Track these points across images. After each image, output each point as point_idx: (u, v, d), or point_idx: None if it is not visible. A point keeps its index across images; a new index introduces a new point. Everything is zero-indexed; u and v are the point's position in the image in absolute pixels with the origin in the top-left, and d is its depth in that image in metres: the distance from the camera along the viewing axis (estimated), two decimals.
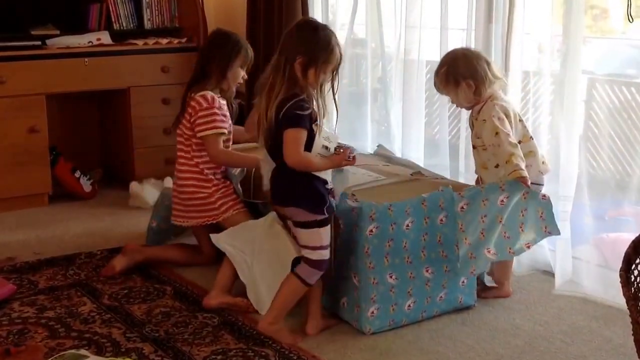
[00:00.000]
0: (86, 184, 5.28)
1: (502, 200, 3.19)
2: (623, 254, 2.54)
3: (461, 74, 3.41)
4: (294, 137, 2.98)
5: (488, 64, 3.45)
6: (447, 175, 4.13)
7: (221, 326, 3.31)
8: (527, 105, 3.90)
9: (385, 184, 3.50)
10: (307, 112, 2.99)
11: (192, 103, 3.83)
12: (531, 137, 3.49)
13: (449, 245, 3.28)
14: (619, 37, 4.37)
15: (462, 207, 3.24)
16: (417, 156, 4.48)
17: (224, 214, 3.80)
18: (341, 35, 5.19)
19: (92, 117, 5.72)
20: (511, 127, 3.38)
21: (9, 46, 4.90)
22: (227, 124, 3.85)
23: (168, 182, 5.13)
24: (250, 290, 3.40)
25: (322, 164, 3.06)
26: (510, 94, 3.80)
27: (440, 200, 3.26)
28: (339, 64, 3.07)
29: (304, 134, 3.00)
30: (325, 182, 3.11)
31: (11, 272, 3.93)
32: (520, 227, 3.20)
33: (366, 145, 4.95)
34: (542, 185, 3.50)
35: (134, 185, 5.13)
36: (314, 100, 3.04)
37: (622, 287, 2.43)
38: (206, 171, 3.83)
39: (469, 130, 3.61)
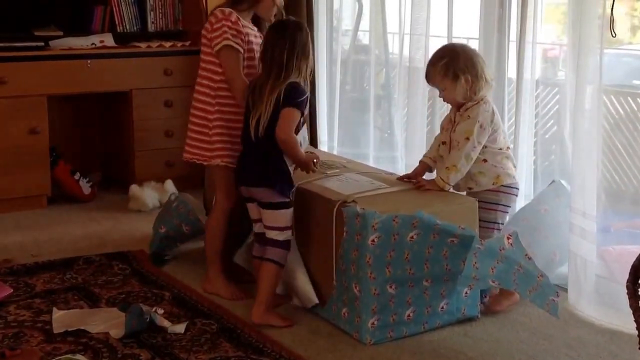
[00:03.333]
0: (85, 187, 5.24)
1: (520, 266, 3.05)
2: (629, 267, 2.51)
3: (461, 68, 3.40)
4: (292, 115, 3.27)
5: (484, 63, 3.46)
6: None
7: (220, 333, 3.27)
8: (536, 115, 3.87)
9: (388, 192, 3.46)
10: (305, 98, 3.31)
11: (210, 18, 3.59)
12: (508, 147, 3.52)
13: (455, 260, 3.22)
14: (625, 48, 4.35)
15: (479, 247, 3.13)
16: None
17: (212, 159, 3.59)
18: (345, 42, 5.18)
19: (93, 118, 5.68)
20: (496, 136, 3.42)
21: (11, 46, 4.87)
22: (243, 45, 3.53)
23: (169, 184, 5.12)
24: (290, 290, 3.51)
25: (301, 153, 3.34)
26: (523, 103, 3.77)
27: (456, 232, 3.19)
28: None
29: (299, 116, 3.29)
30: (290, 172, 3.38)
31: (8, 274, 3.89)
32: (529, 291, 3.10)
33: (368, 152, 4.93)
34: (517, 189, 3.52)
35: (133, 188, 5.09)
36: None
37: (629, 298, 2.44)
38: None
39: None
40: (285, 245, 3.34)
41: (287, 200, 3.33)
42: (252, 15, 3.68)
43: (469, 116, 3.40)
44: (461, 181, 3.47)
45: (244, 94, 3.45)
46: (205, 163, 3.64)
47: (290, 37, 3.32)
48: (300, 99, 3.28)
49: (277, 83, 3.27)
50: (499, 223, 3.43)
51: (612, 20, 2.95)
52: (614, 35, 2.98)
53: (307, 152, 3.46)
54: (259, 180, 3.33)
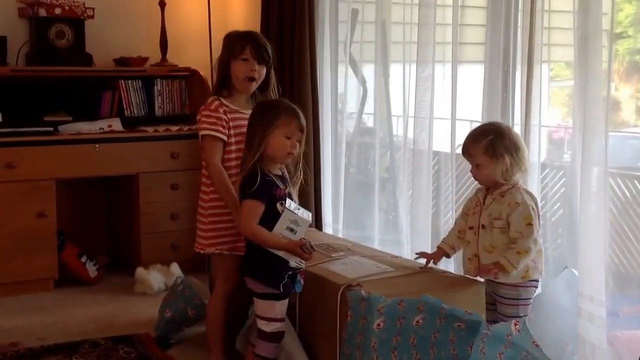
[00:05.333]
0: (92, 269, 5.24)
1: (528, 353, 3.00)
2: (638, 353, 2.48)
3: (506, 148, 3.31)
4: (247, 208, 3.17)
5: (526, 149, 3.40)
6: (454, 267, 4.07)
7: None
8: (543, 198, 3.85)
9: (394, 276, 3.44)
10: (258, 185, 3.14)
11: None
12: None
13: (462, 345, 3.17)
14: (631, 131, 4.37)
15: (487, 333, 3.11)
16: (425, 247, 4.42)
17: (207, 248, 3.61)
18: (350, 124, 5.22)
19: (101, 201, 5.71)
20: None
21: (21, 132, 4.93)
22: (224, 131, 3.52)
23: (174, 267, 5.11)
24: None
25: (274, 242, 3.16)
26: (529, 186, 3.77)
27: (463, 316, 3.15)
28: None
29: (256, 206, 3.15)
30: (286, 261, 3.19)
31: (14, 358, 3.87)
32: None
33: (373, 234, 4.91)
34: (537, 281, 3.42)
35: (139, 271, 5.09)
36: (279, 178, 3.25)
37: None
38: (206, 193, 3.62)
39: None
40: (272, 337, 3.27)
41: (276, 292, 3.24)
42: (247, 96, 3.63)
43: (517, 203, 3.29)
44: (488, 260, 3.36)
45: (218, 181, 3.46)
46: (202, 252, 3.63)
47: (252, 116, 3.32)
48: (252, 189, 3.15)
49: (243, 172, 3.24)
50: (521, 316, 3.32)
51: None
52: None
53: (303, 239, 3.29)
54: (245, 270, 3.32)
